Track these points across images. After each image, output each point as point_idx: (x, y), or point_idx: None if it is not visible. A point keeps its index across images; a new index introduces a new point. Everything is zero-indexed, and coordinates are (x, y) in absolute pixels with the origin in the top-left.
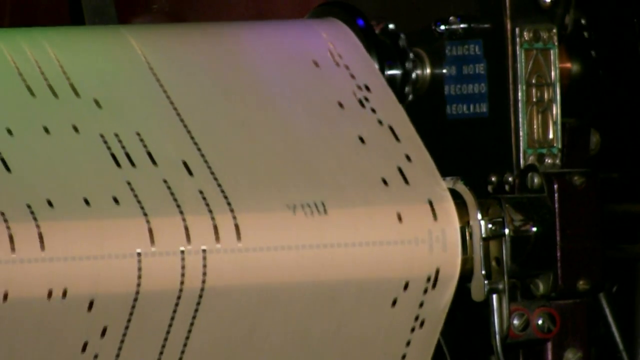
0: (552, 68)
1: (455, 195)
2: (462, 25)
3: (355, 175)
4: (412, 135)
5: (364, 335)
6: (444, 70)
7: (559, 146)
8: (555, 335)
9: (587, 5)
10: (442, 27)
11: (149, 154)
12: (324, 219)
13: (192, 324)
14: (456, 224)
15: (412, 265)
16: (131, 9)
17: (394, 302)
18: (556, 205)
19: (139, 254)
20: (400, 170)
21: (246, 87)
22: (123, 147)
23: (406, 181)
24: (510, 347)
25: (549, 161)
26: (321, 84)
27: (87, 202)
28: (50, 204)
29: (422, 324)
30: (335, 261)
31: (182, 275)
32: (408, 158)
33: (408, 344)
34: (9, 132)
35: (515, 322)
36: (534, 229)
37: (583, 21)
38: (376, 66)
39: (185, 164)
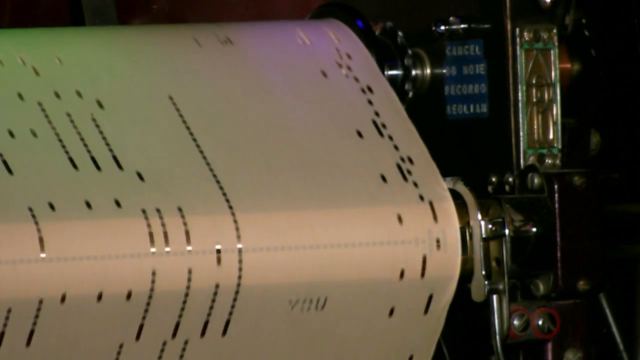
0: (552, 68)
1: (456, 195)
2: (462, 26)
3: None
4: (413, 135)
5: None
6: (444, 71)
7: (559, 146)
8: (555, 336)
9: (587, 5)
10: (442, 28)
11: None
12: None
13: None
14: (456, 225)
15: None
16: (131, 10)
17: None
18: (556, 206)
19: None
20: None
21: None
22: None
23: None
24: (510, 347)
25: (549, 161)
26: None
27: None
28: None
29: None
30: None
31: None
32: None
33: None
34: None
35: (516, 322)
36: (534, 229)
37: (583, 21)
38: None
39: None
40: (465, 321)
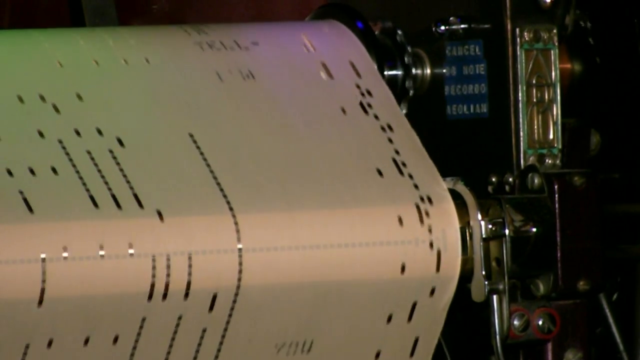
0: (553, 68)
1: (456, 195)
2: (462, 26)
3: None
4: (412, 137)
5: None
6: (444, 71)
7: (559, 146)
8: (555, 336)
9: (587, 5)
10: (443, 28)
11: None
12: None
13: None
14: (456, 225)
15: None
16: (131, 10)
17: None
18: (556, 206)
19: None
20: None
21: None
22: None
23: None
24: (510, 347)
25: (549, 161)
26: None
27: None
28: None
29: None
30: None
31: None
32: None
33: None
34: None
35: (516, 322)
36: (534, 229)
37: (583, 22)
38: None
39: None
40: (465, 321)
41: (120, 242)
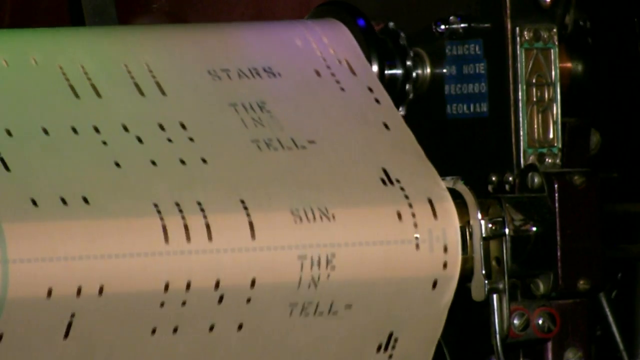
0: (553, 68)
1: (456, 195)
2: (462, 25)
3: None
4: (410, 136)
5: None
6: (444, 70)
7: (559, 146)
8: (555, 335)
9: (587, 5)
10: (443, 27)
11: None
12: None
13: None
14: (456, 224)
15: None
16: (131, 9)
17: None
18: (556, 205)
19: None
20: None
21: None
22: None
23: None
24: (510, 346)
25: (549, 161)
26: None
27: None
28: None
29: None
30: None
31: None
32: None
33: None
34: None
35: (516, 321)
36: (534, 228)
37: (583, 21)
38: (375, 68)
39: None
40: (465, 321)
41: None
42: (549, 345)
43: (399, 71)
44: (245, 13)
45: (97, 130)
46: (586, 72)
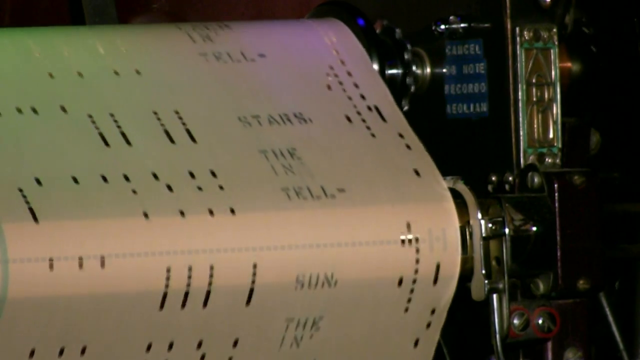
0: (552, 67)
1: (456, 194)
2: (462, 25)
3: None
4: (412, 136)
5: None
6: (444, 70)
7: (559, 146)
8: (555, 335)
9: (587, 4)
10: (442, 27)
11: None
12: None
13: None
14: (456, 224)
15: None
16: (131, 9)
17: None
18: (556, 205)
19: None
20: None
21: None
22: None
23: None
24: (510, 346)
25: (549, 161)
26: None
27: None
28: None
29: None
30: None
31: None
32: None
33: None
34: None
35: (516, 321)
36: (534, 228)
37: (583, 21)
38: (376, 67)
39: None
40: (465, 321)
41: None
42: (549, 345)
43: (399, 70)
44: (245, 13)
45: (127, 178)
46: (586, 72)
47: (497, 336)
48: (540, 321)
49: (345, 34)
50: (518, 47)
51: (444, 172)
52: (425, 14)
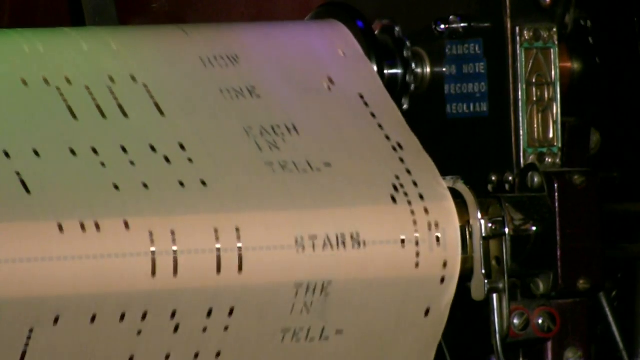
0: (552, 67)
1: (456, 194)
2: (462, 25)
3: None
4: (410, 136)
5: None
6: (444, 70)
7: (559, 145)
8: (555, 335)
9: (587, 4)
10: (442, 27)
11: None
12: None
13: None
14: (456, 223)
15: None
16: (131, 9)
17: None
18: (556, 205)
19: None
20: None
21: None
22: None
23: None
24: (510, 346)
25: (549, 160)
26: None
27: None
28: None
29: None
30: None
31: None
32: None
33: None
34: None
35: (516, 321)
36: (534, 228)
37: (583, 21)
38: (375, 68)
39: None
40: (465, 321)
41: None
42: (549, 344)
43: (398, 70)
44: (245, 13)
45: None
46: (586, 72)
47: (497, 336)
48: (540, 321)
49: (344, 33)
50: (518, 46)
51: (444, 172)
52: (425, 14)
